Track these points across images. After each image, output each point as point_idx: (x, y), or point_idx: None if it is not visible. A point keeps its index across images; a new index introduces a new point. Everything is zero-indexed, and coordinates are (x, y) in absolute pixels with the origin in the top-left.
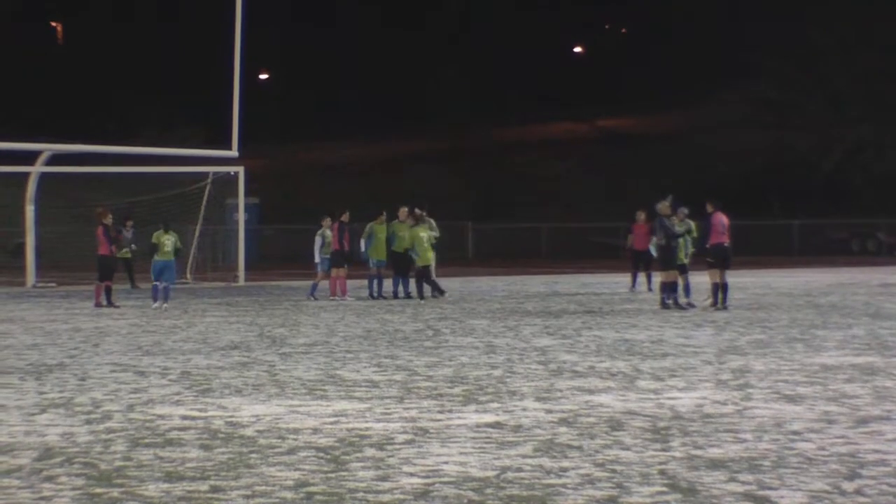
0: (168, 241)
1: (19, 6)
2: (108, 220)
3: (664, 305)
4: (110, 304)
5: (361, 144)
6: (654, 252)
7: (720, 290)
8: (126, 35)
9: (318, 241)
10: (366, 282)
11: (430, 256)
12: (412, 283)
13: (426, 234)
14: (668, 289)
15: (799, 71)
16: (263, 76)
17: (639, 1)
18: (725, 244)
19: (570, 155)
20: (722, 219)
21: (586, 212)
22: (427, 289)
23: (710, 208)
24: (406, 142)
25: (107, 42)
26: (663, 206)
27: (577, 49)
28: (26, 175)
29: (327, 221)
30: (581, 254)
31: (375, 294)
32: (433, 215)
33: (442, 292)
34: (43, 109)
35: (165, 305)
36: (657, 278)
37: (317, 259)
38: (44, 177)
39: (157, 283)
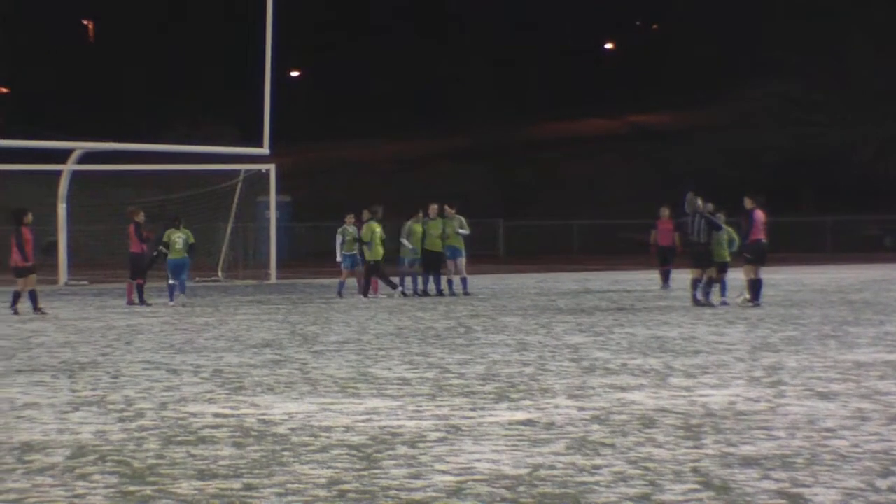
0: (178, 238)
1: (51, 4)
2: (140, 217)
3: (696, 302)
4: (142, 301)
5: (392, 142)
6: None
7: (755, 286)
8: (157, 33)
9: (338, 238)
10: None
11: (381, 252)
12: (443, 280)
13: (380, 228)
14: (708, 285)
15: (829, 66)
16: (294, 73)
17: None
18: (763, 241)
19: (600, 151)
20: (760, 215)
21: (617, 208)
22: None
23: (749, 204)
24: (436, 139)
25: (138, 40)
26: (699, 202)
27: (608, 45)
28: (58, 173)
29: (350, 218)
30: (612, 251)
31: (409, 291)
32: (463, 213)
33: (394, 287)
34: (75, 107)
35: (184, 299)
36: (690, 275)
37: (338, 257)
38: (76, 175)
39: (172, 282)
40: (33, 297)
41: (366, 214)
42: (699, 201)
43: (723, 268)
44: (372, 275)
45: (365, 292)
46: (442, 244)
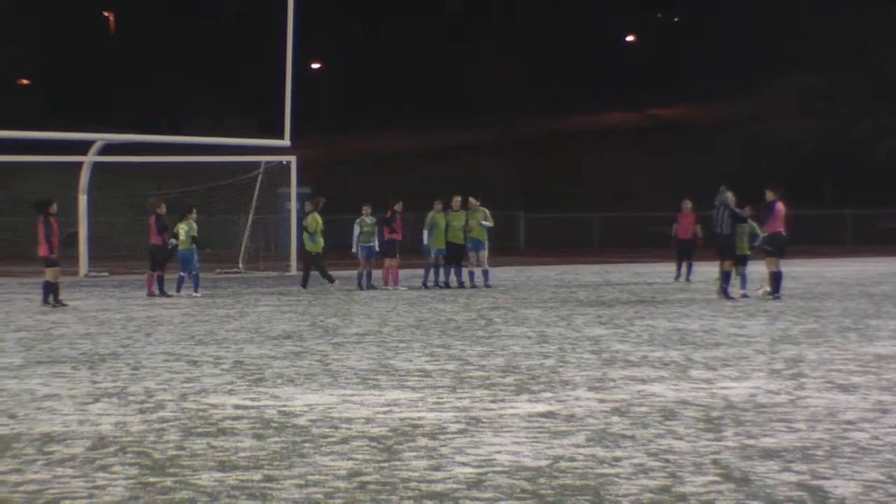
0: (182, 229)
1: None
2: (162, 209)
3: (728, 296)
4: (162, 293)
5: (412, 134)
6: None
7: (775, 278)
8: (178, 25)
9: (355, 229)
10: (421, 271)
11: (322, 243)
12: (464, 272)
13: (320, 220)
14: (727, 278)
15: (850, 59)
16: (315, 66)
17: None
18: (783, 233)
19: (621, 144)
20: (781, 208)
21: (638, 201)
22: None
23: (770, 196)
24: (456, 132)
25: (158, 32)
26: (728, 196)
27: (629, 38)
28: (79, 165)
29: (367, 209)
30: (632, 243)
31: (432, 283)
32: (485, 205)
33: (332, 280)
34: (95, 99)
35: (195, 294)
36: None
37: (354, 248)
38: (96, 167)
39: (182, 273)
40: (54, 288)
41: (308, 206)
42: (729, 195)
43: (743, 261)
44: (312, 265)
45: (305, 283)
46: (464, 236)
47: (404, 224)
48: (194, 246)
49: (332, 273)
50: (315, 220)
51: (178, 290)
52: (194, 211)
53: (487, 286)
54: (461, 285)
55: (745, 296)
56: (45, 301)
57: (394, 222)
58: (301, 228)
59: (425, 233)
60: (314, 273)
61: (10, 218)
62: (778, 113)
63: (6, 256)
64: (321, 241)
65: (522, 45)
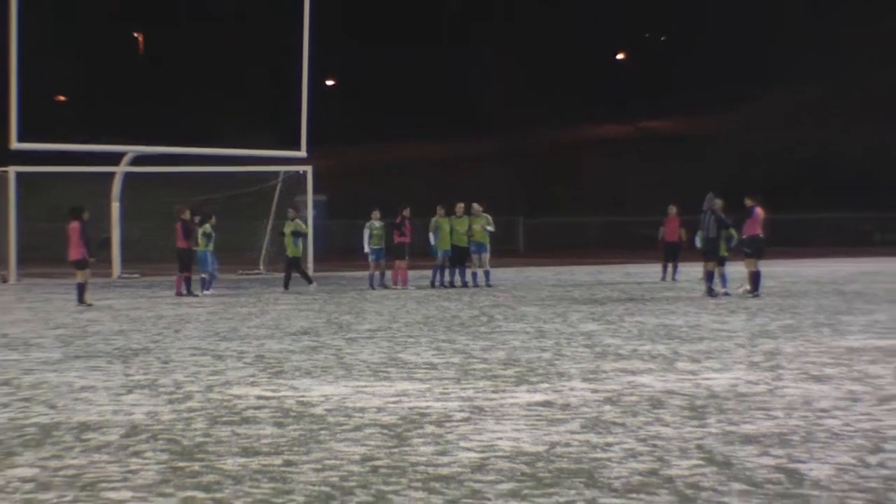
0: (202, 233)
1: (105, 19)
2: (187, 215)
3: (712, 293)
4: (190, 293)
5: (420, 145)
6: (699, 244)
7: (754, 278)
8: (204, 46)
9: (365, 233)
10: (428, 272)
11: (300, 250)
12: (468, 272)
13: (294, 228)
14: (711, 277)
15: (836, 71)
16: (329, 83)
17: (677, 10)
18: (761, 235)
19: (614, 154)
20: (759, 212)
21: (630, 207)
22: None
23: (749, 202)
24: (461, 143)
25: (185, 54)
26: (719, 203)
27: (620, 56)
28: (112, 175)
29: (376, 214)
30: (624, 246)
31: (437, 282)
32: (487, 211)
33: (310, 281)
34: (126, 113)
35: (205, 292)
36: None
37: (366, 249)
38: (128, 176)
39: (203, 275)
40: (80, 289)
41: (291, 212)
42: (718, 202)
43: (721, 261)
44: (291, 269)
45: (286, 284)
46: (468, 240)
47: (412, 228)
48: (209, 248)
49: (344, 274)
50: (291, 227)
51: (207, 288)
52: (213, 217)
53: (489, 286)
54: (465, 285)
55: (726, 294)
56: (80, 301)
57: (402, 226)
58: (295, 234)
59: (431, 235)
60: (296, 275)
61: (47, 224)
62: (763, 124)
63: (42, 259)
64: (301, 246)
65: (523, 66)
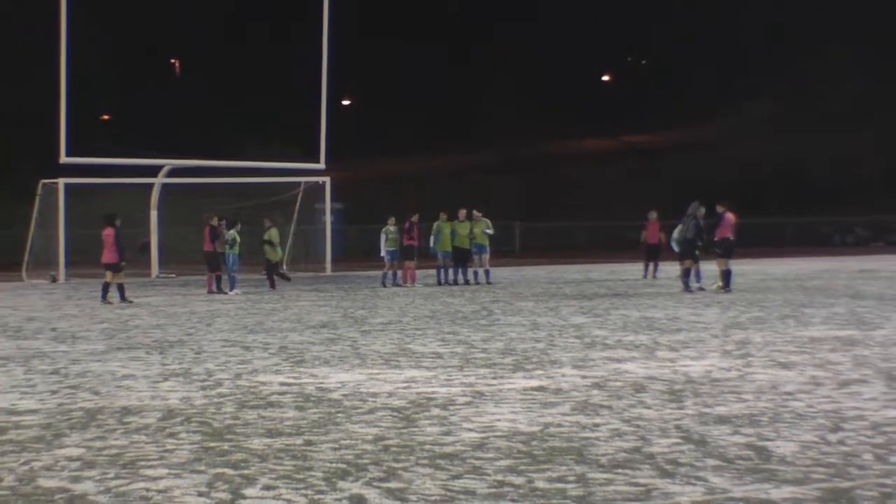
0: (230, 237)
1: (144, 48)
2: (214, 222)
3: (688, 289)
4: (220, 291)
5: (429, 158)
6: (675, 247)
7: (726, 275)
8: (233, 68)
9: (382, 237)
10: (434, 272)
11: (278, 254)
12: (470, 271)
13: (268, 236)
14: (688, 275)
15: (798, 89)
16: (346, 102)
17: (656, 36)
18: (731, 238)
19: (601, 165)
20: (730, 217)
21: (615, 213)
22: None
23: (720, 208)
24: (464, 156)
25: (218, 76)
26: (701, 210)
27: (605, 77)
28: (151, 185)
29: (392, 220)
30: (610, 247)
31: (442, 281)
32: (488, 216)
33: (288, 279)
34: (163, 130)
35: (229, 292)
36: (681, 266)
37: (382, 252)
38: (165, 187)
39: (232, 274)
40: (121, 289)
41: (267, 222)
42: (701, 209)
43: (696, 259)
44: (272, 272)
45: (272, 284)
46: (469, 242)
47: (420, 233)
48: (233, 250)
49: (358, 273)
50: (276, 234)
51: (232, 288)
52: (239, 224)
53: (489, 283)
54: (467, 283)
55: (701, 289)
56: (123, 299)
57: (412, 231)
58: (265, 242)
59: (431, 238)
60: (278, 276)
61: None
62: (734, 138)
63: (87, 261)
64: (280, 251)
65: (521, 87)
